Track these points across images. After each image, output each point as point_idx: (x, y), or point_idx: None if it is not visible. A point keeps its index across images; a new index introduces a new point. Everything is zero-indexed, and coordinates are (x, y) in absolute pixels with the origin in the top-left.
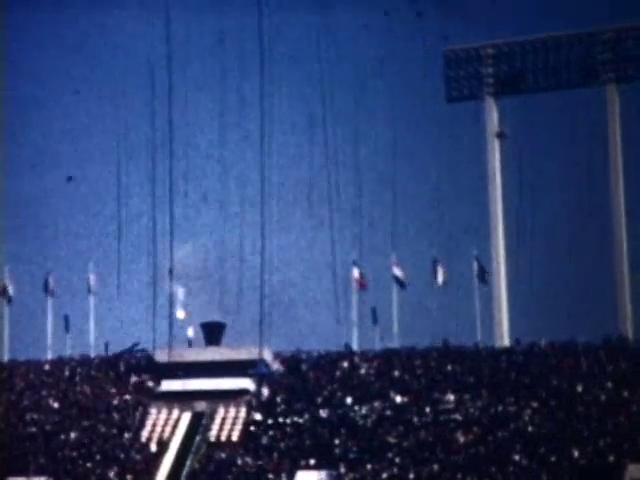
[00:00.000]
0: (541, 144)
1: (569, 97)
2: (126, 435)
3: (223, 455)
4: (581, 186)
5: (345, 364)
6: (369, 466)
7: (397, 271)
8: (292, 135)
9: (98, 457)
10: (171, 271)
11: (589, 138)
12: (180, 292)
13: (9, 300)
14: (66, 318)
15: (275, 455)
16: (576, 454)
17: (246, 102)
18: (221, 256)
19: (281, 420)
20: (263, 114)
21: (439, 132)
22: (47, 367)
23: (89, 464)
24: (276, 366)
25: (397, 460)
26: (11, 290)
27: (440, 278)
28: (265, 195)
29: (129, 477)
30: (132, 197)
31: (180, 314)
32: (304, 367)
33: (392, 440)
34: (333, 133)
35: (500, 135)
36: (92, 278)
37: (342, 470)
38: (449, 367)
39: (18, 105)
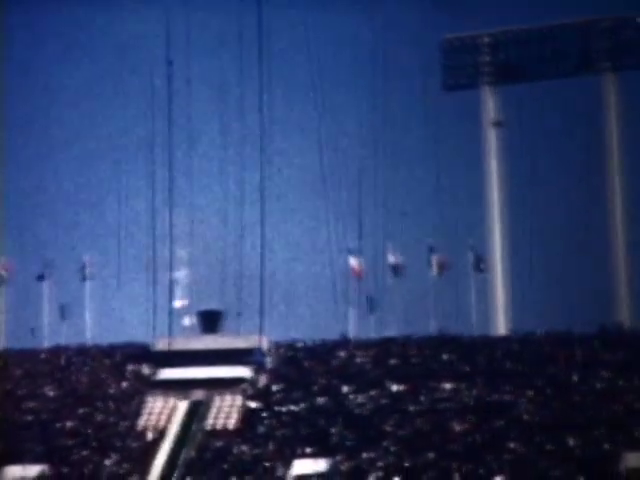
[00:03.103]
0: (538, 132)
1: (566, 86)
2: (123, 423)
3: (220, 443)
4: (578, 174)
5: (342, 353)
6: (365, 454)
7: (392, 259)
8: (291, 120)
9: (95, 445)
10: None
11: (586, 126)
12: (181, 275)
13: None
14: (62, 306)
15: (272, 443)
16: (572, 442)
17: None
18: (220, 246)
19: (278, 408)
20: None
21: (436, 121)
22: (44, 356)
23: (86, 452)
24: (273, 354)
25: (393, 448)
26: (5, 275)
27: (435, 267)
28: (264, 183)
29: (126, 465)
30: (132, 196)
31: (178, 303)
32: (301, 356)
33: (388, 428)
34: (330, 122)
35: (497, 124)
36: (88, 266)
37: (339, 458)
38: (445, 356)
39: (18, 102)
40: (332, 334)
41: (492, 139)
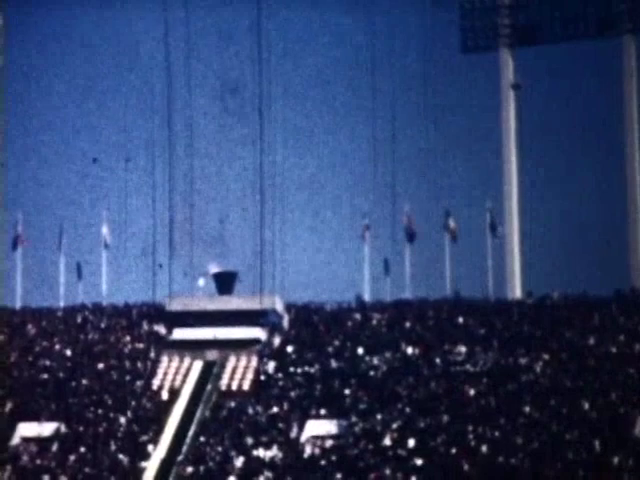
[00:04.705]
0: (556, 95)
1: (585, 48)
2: (138, 383)
3: (234, 404)
4: (596, 137)
5: (357, 315)
6: (379, 416)
7: (408, 221)
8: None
9: (109, 404)
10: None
11: (605, 89)
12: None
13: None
14: (78, 265)
15: (286, 404)
16: (586, 406)
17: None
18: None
19: (292, 370)
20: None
21: (454, 83)
22: (60, 314)
23: (100, 411)
24: (287, 316)
25: (407, 410)
26: (24, 237)
27: (451, 230)
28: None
29: (140, 424)
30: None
31: (201, 282)
32: (316, 318)
33: (402, 391)
34: (351, 80)
35: (515, 87)
36: (105, 228)
37: (352, 420)
38: (460, 319)
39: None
40: (347, 296)
41: (510, 102)
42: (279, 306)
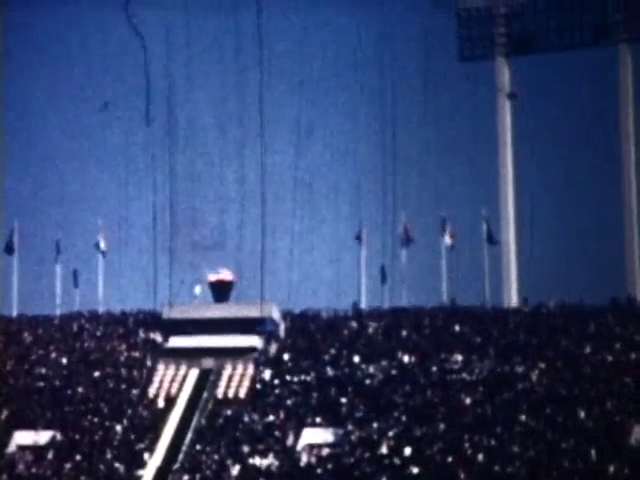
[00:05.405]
0: (552, 104)
1: (581, 57)
2: (134, 391)
3: (230, 412)
4: (592, 146)
5: (353, 323)
6: (375, 424)
7: (402, 230)
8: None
9: (105, 412)
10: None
11: (600, 97)
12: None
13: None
14: (75, 273)
15: (282, 413)
16: (582, 415)
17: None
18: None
19: (288, 378)
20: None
21: (451, 91)
22: (56, 322)
23: (96, 419)
24: (284, 324)
25: (403, 419)
26: (16, 242)
27: (448, 238)
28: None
29: (136, 432)
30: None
31: (197, 289)
32: (312, 325)
33: (399, 399)
34: (349, 87)
35: (511, 95)
36: (101, 235)
37: (349, 428)
38: (457, 327)
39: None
40: (344, 304)
41: (506, 110)
42: (275, 314)
